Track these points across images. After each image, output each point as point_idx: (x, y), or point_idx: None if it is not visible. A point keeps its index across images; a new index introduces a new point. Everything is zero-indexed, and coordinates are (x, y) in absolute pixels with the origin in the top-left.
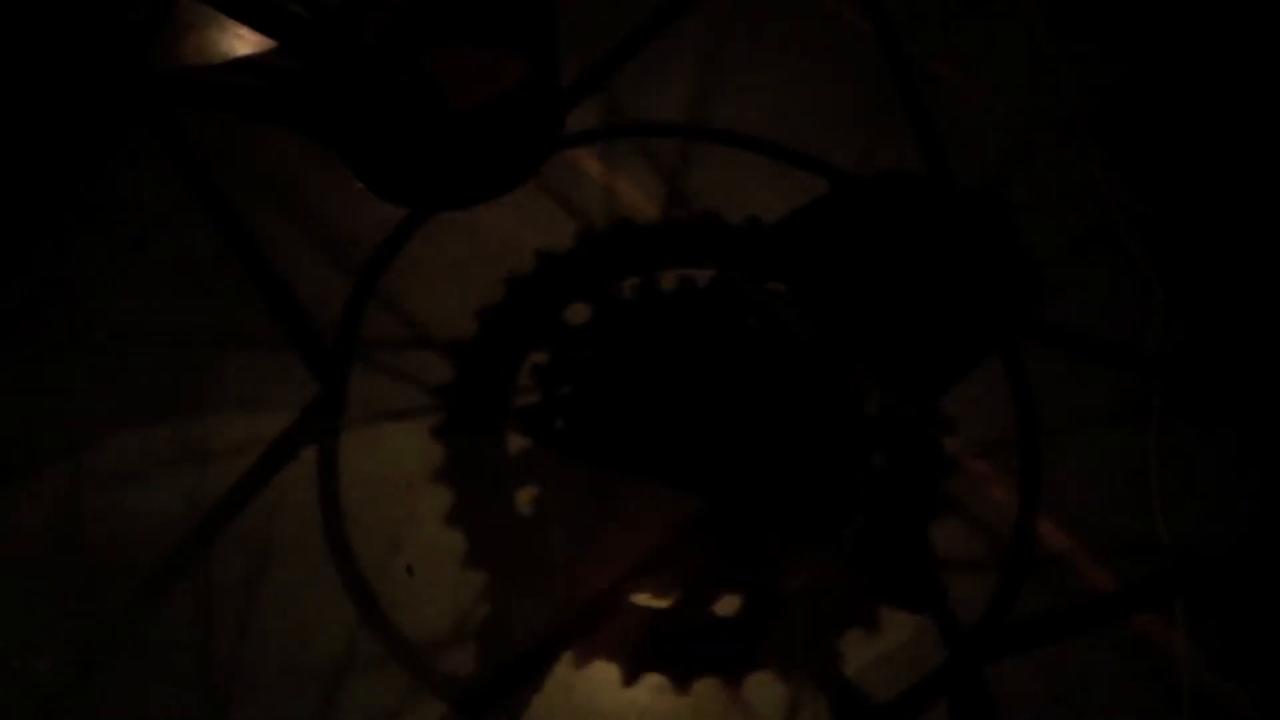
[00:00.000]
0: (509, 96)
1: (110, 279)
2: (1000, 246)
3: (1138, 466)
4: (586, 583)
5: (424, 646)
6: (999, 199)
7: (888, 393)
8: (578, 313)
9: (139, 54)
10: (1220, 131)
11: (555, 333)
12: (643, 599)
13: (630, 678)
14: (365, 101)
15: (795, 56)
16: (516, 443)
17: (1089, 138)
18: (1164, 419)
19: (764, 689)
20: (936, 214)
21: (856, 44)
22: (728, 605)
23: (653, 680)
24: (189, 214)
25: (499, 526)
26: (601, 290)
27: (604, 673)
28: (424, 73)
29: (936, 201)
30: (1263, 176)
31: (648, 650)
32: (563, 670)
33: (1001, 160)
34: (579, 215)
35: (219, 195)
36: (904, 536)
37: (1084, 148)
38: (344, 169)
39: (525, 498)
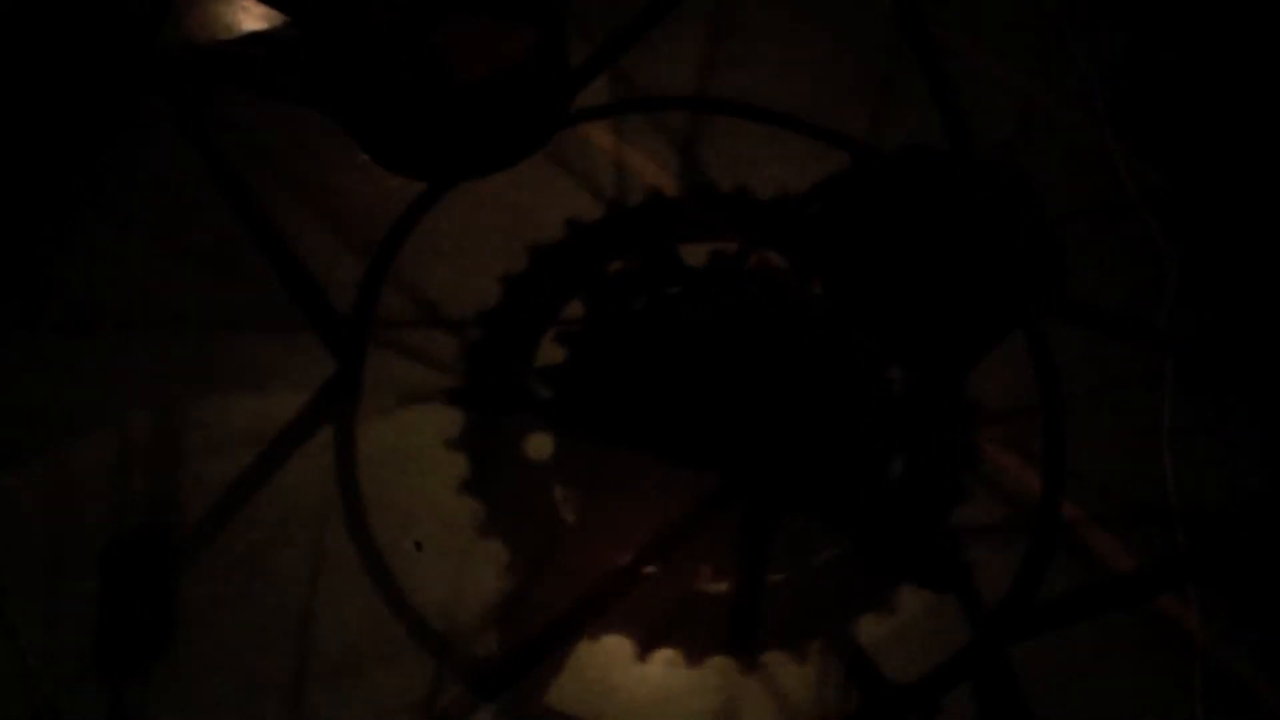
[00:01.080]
0: (515, 69)
1: (121, 256)
2: (1027, 224)
3: (1152, 442)
4: (602, 559)
5: (440, 625)
6: (1024, 175)
7: (910, 370)
8: (594, 287)
9: (150, 30)
10: (1234, 101)
11: (571, 307)
12: (658, 575)
13: (645, 653)
14: (372, 74)
15: (809, 27)
16: (533, 420)
17: (1102, 107)
18: (1178, 393)
19: (781, 666)
20: (963, 190)
21: (869, 14)
22: (744, 582)
23: (668, 655)
24: (200, 191)
25: (515, 503)
26: (615, 265)
27: (619, 648)
28: (430, 45)
29: (963, 177)
30: (1278, 145)
31: (663, 626)
32: (578, 647)
33: (1014, 131)
34: (593, 189)
35: (232, 171)
36: (926, 515)
37: (1097, 118)
38: (351, 143)
39: (541, 474)
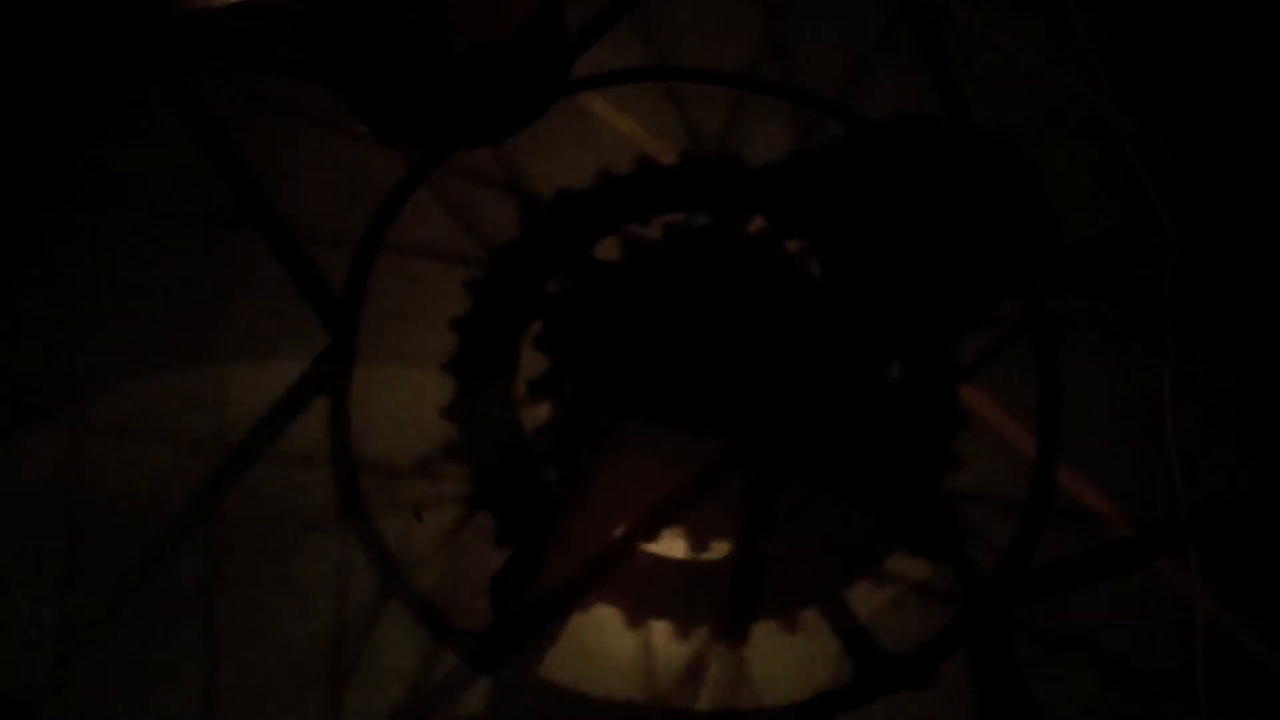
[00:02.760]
0: (514, 37)
1: (119, 229)
2: (1020, 192)
3: (1153, 412)
4: (599, 531)
5: (437, 598)
6: (1016, 144)
7: (905, 338)
8: (587, 256)
9: (147, 4)
10: (1239, 71)
11: (565, 276)
12: (655, 547)
13: (644, 624)
14: (370, 42)
15: None
16: (528, 388)
17: (1104, 76)
18: (1179, 364)
19: (779, 636)
20: (956, 159)
21: None
22: (740, 552)
23: (664, 626)
24: (196, 165)
25: (511, 474)
26: (611, 233)
27: (618, 620)
28: (429, 13)
29: (956, 146)
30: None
31: (660, 597)
32: (575, 618)
33: (1015, 100)
34: (589, 157)
35: (227, 144)
36: (922, 483)
37: (1099, 86)
38: (349, 114)
39: (537, 445)
